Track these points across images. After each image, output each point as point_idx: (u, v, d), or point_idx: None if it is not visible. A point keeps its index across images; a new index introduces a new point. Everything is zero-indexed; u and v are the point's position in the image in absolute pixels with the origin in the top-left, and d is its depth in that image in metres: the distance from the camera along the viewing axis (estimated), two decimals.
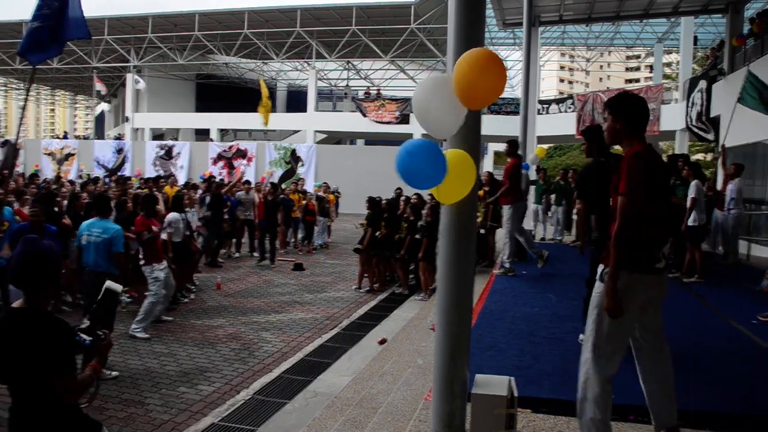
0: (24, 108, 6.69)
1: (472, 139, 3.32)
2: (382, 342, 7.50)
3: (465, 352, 3.38)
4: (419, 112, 3.07)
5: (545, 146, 17.69)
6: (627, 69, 63.43)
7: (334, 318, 9.21)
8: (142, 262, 8.03)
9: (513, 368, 4.85)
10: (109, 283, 3.05)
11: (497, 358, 5.28)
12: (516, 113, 23.02)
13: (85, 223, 6.84)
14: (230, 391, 6.05)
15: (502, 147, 9.99)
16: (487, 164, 35.60)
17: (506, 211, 9.29)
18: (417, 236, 10.53)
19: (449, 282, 3.33)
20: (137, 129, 37.28)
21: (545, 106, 27.38)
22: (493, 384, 3.51)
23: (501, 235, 10.20)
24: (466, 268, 3.35)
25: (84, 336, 2.80)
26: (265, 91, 17.21)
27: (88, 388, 2.82)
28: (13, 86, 52.89)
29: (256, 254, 14.43)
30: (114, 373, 6.18)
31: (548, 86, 74.55)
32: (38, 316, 2.65)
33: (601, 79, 76.95)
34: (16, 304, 2.73)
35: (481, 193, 10.86)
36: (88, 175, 24.86)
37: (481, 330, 6.09)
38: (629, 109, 3.50)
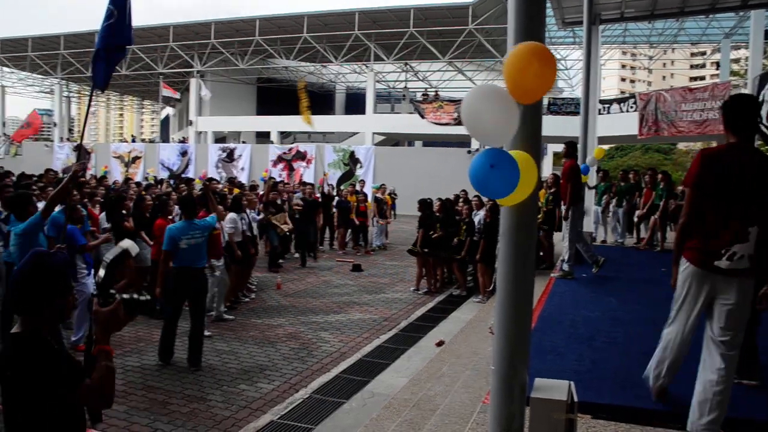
0: (87, 114, 6.95)
1: (532, 141, 3.27)
2: (440, 344, 7.48)
3: (524, 355, 3.34)
4: (471, 123, 3.01)
5: (606, 147, 17.28)
6: (692, 66, 61.40)
7: (392, 319, 9.23)
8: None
9: (572, 372, 4.76)
10: (127, 242, 2.82)
11: (556, 362, 5.20)
12: (576, 114, 22.54)
13: (176, 228, 6.87)
14: (289, 390, 6.14)
15: (562, 148, 9.82)
16: (546, 165, 35.04)
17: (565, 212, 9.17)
18: (474, 238, 10.47)
19: (509, 284, 3.29)
20: (200, 132, 38.25)
21: (606, 105, 26.74)
22: (553, 388, 3.46)
23: (560, 238, 10.04)
24: (526, 270, 3.31)
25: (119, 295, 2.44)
26: (304, 97, 17.38)
27: (106, 386, 2.35)
28: (86, 93, 55.11)
29: (312, 253, 14.62)
30: None
31: (609, 85, 72.92)
32: (28, 344, 2.31)
33: (664, 77, 74.78)
34: (15, 328, 2.36)
35: (542, 193, 10.71)
36: (154, 177, 25.65)
37: (540, 333, 6.00)
38: (726, 109, 3.67)
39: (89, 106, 6.88)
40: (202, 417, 5.39)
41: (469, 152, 28.74)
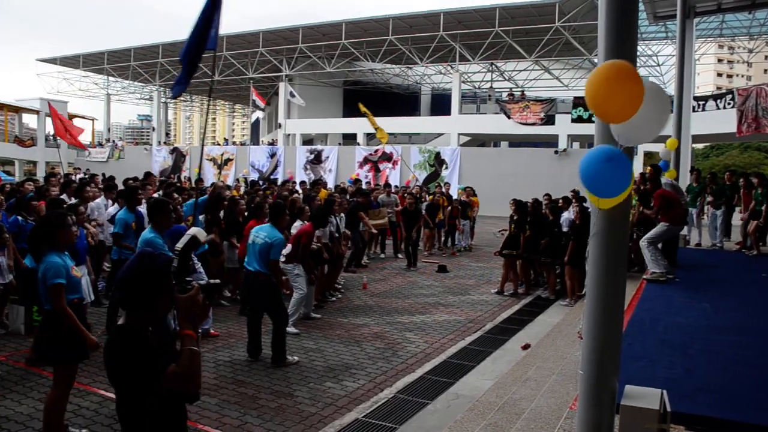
0: (207, 115, 7.32)
1: None
2: (526, 347, 7.38)
3: (614, 361, 3.25)
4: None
5: (701, 145, 16.49)
6: None
7: (478, 321, 9.17)
8: (282, 260, 8.43)
9: (664, 381, 4.58)
10: (196, 230, 2.88)
11: (647, 369, 5.02)
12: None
13: (258, 227, 7.36)
14: (374, 389, 6.20)
15: (652, 147, 9.46)
16: (637, 165, 33.81)
17: (659, 226, 8.84)
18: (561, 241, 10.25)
19: (599, 287, 3.21)
20: (289, 135, 39.23)
21: (701, 102, 25.51)
22: (644, 396, 3.35)
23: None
24: (617, 273, 3.22)
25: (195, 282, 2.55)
26: (372, 121, 17.57)
27: (191, 370, 2.43)
28: (181, 99, 57.71)
29: (400, 255, 14.71)
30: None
31: (704, 81, 69.42)
32: (130, 338, 2.45)
33: (765, 70, 70.42)
34: (120, 320, 2.54)
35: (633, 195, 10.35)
36: (245, 179, 26.46)
37: (630, 339, 5.81)
38: None
39: (209, 107, 7.21)
40: (289, 412, 5.53)
41: (556, 152, 28.15)
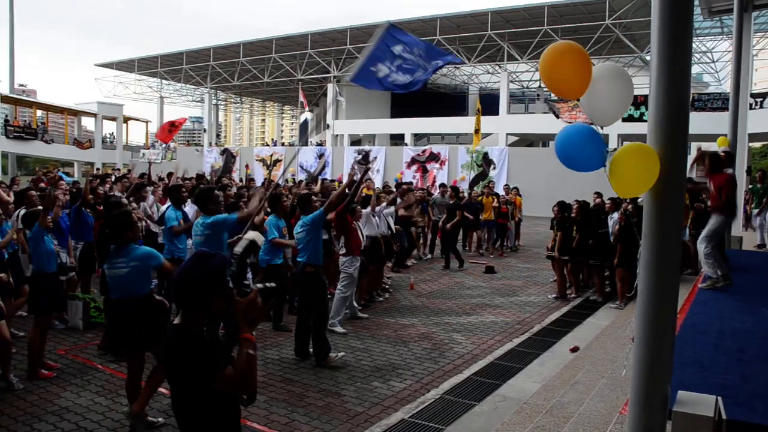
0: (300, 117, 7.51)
1: (677, 138, 3.10)
2: (575, 350, 7.27)
3: (666, 366, 3.17)
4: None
5: (758, 144, 15.94)
6: None
7: (525, 322, 9.08)
8: (343, 251, 8.50)
9: (718, 387, 4.44)
10: (252, 234, 2.87)
11: (700, 374, 4.87)
12: (724, 109, 21.03)
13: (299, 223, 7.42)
14: (420, 389, 6.20)
15: (706, 147, 9.16)
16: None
17: (714, 220, 8.43)
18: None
19: (651, 290, 3.14)
20: (337, 135, 39.52)
21: (758, 99, 24.67)
22: (698, 403, 3.26)
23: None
24: (669, 275, 3.15)
25: (253, 285, 2.56)
26: (478, 120, 17.22)
27: (247, 373, 2.45)
28: (232, 100, 58.86)
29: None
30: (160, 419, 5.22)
31: (762, 77, 66.92)
32: (186, 337, 2.50)
33: None
34: (176, 319, 2.58)
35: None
36: (293, 179, 26.81)
37: (682, 343, 5.65)
38: None
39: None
40: (336, 411, 5.57)
41: (607, 152, 27.60)
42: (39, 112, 44.78)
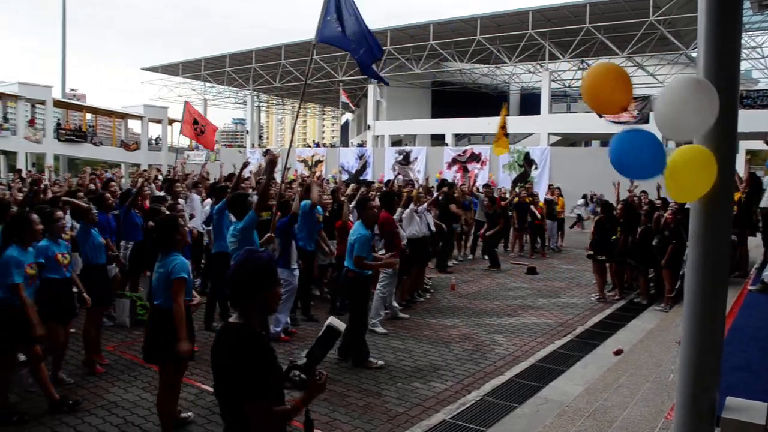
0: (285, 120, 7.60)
1: (725, 137, 3.01)
2: (618, 353, 7.16)
3: (714, 371, 3.10)
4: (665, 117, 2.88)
5: None
6: None
7: (568, 324, 8.96)
8: (382, 252, 8.48)
9: None
10: (332, 321, 2.83)
11: (749, 380, 4.74)
12: None
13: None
14: (461, 390, 6.18)
15: (755, 145, 8.89)
16: (739, 164, 31.99)
17: None
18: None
19: (699, 293, 3.06)
20: (377, 136, 39.61)
21: None
22: (748, 409, 3.18)
23: (755, 243, 9.09)
24: (718, 278, 3.07)
25: (297, 373, 2.65)
26: (503, 122, 16.87)
27: (286, 422, 2.61)
28: (273, 102, 59.59)
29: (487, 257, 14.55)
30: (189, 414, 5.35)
31: None
32: (242, 334, 2.57)
33: None
34: (232, 318, 2.67)
35: (737, 195, 9.80)
36: (335, 180, 26.97)
37: (730, 348, 5.51)
38: None
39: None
40: (377, 411, 5.60)
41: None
42: (88, 116, 46.16)
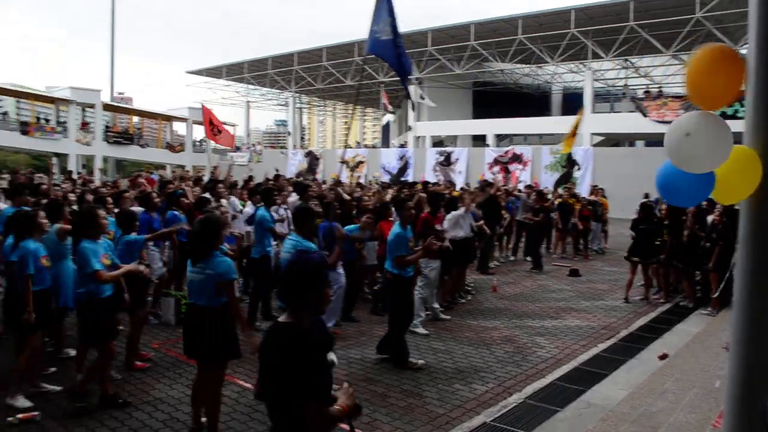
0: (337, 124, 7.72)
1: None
2: (663, 357, 7.02)
3: (765, 377, 3.02)
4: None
5: None
6: None
7: (611, 327, 8.82)
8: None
9: None
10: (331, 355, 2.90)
11: None
12: None
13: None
14: (503, 393, 6.14)
15: None
16: None
17: None
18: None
19: (748, 297, 2.99)
20: (419, 137, 39.62)
21: None
22: None
23: None
24: None
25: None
26: (576, 124, 16.67)
27: (333, 424, 2.65)
28: (315, 104, 60.12)
29: (529, 258, 14.42)
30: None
31: None
32: (292, 333, 2.61)
33: None
34: (281, 317, 2.73)
35: None
36: (377, 181, 27.06)
37: None
38: None
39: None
40: (417, 412, 5.60)
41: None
42: (135, 119, 47.30)
